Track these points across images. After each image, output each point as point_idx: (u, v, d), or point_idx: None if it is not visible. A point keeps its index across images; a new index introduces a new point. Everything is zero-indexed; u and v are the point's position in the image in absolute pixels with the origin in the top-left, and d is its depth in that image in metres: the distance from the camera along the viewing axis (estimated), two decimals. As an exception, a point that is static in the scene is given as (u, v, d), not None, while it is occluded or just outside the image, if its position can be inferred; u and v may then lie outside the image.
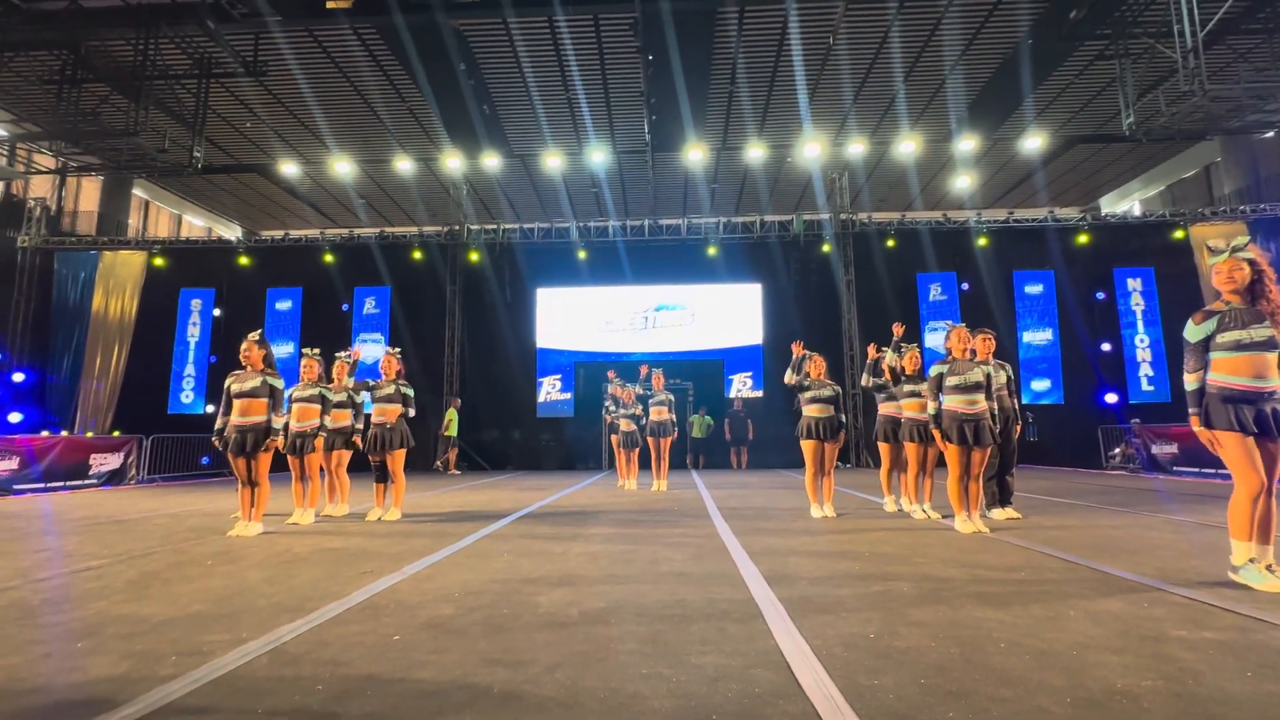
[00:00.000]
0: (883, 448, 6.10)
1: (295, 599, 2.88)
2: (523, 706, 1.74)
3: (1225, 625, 2.36)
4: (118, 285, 14.98)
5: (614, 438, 9.40)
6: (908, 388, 5.65)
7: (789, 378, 5.94)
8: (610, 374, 9.82)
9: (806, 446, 5.72)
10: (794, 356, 6.03)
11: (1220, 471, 8.86)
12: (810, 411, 5.73)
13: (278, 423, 4.96)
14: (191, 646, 2.23)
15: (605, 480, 10.85)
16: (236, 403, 4.94)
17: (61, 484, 9.65)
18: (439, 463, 13.93)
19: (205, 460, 12.85)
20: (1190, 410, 3.07)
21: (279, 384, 5.07)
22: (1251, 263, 2.97)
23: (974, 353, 4.98)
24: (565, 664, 2.04)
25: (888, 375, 5.99)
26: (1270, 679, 1.85)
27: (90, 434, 13.61)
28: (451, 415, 13.91)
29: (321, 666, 2.04)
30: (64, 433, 13.22)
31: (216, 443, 5.01)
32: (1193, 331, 3.04)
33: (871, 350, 6.27)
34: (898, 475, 6.14)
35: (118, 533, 5.09)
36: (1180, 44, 9.50)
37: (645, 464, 9.52)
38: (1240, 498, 2.93)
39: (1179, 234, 13.87)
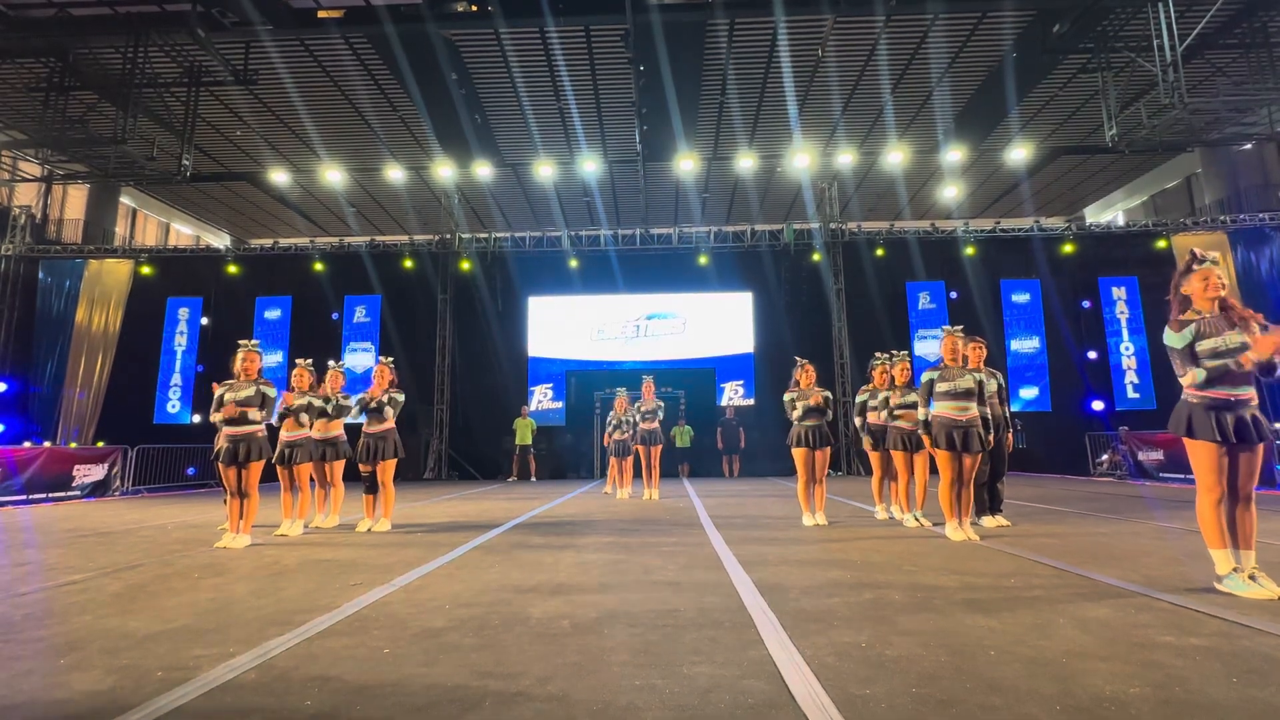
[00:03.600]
0: (873, 456, 6.11)
1: (284, 612, 2.85)
2: (514, 719, 1.73)
3: (1211, 632, 2.38)
4: (103, 294, 14.82)
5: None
6: (895, 400, 5.68)
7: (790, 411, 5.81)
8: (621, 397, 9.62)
9: (797, 454, 5.72)
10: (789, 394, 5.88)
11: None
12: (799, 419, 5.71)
13: (257, 416, 4.92)
14: (178, 661, 2.20)
15: (598, 489, 10.82)
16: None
17: (44, 496, 9.49)
18: (514, 477, 13.84)
19: (191, 471, 12.69)
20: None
21: (271, 391, 5.06)
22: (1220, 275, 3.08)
23: (966, 359, 5.02)
24: (557, 675, 2.03)
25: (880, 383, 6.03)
26: (1256, 685, 1.87)
27: (74, 444, 13.42)
28: (519, 424, 13.92)
29: (310, 680, 2.01)
30: (47, 443, 13.02)
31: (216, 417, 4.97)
32: (1175, 339, 3.09)
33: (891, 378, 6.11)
34: (889, 483, 6.14)
35: (102, 545, 5.02)
36: (1160, 58, 9.71)
37: (635, 473, 9.53)
38: (1204, 505, 2.98)
39: (1161, 243, 14.11)
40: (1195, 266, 3.11)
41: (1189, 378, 3.06)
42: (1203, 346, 3.00)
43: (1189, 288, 3.12)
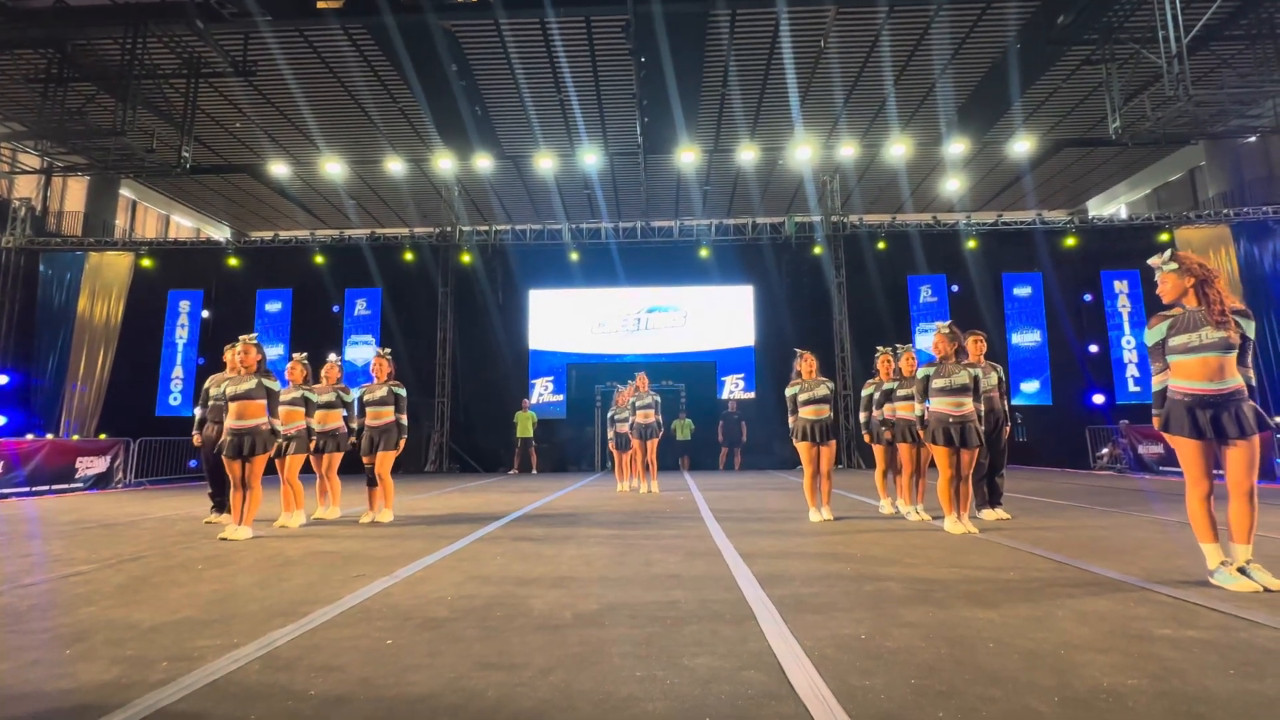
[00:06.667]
0: (877, 450, 6.09)
1: (287, 603, 2.87)
2: (517, 710, 1.74)
3: (1209, 624, 2.39)
4: (104, 286, 14.82)
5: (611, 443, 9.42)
6: (901, 391, 5.66)
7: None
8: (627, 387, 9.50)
9: (801, 449, 5.61)
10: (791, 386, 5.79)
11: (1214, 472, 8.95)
12: (804, 413, 5.58)
13: (278, 426, 4.96)
14: (182, 652, 2.22)
15: (599, 482, 10.85)
16: (232, 405, 4.91)
17: (47, 487, 9.53)
18: (515, 470, 13.91)
19: (193, 463, 12.72)
20: (1153, 411, 3.18)
21: (275, 386, 5.03)
22: (1183, 271, 3.06)
23: (963, 354, 5.01)
24: (559, 667, 2.05)
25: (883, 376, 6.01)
26: (1253, 677, 1.88)
27: (76, 437, 13.46)
28: (520, 417, 14.02)
29: (314, 671, 2.03)
30: (49, 436, 13.06)
31: (197, 440, 5.02)
32: (1148, 335, 3.17)
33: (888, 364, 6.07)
34: (893, 477, 6.08)
35: (105, 537, 5.04)
36: (1165, 49, 9.64)
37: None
38: (1192, 500, 3.00)
39: (1164, 237, 14.05)
40: (1155, 276, 3.15)
41: (1157, 379, 3.13)
42: (1175, 341, 3.02)
43: None
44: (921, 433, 4.91)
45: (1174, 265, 3.08)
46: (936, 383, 4.80)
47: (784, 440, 13.23)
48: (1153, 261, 3.18)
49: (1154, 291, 3.19)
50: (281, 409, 5.63)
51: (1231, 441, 2.91)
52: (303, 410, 5.66)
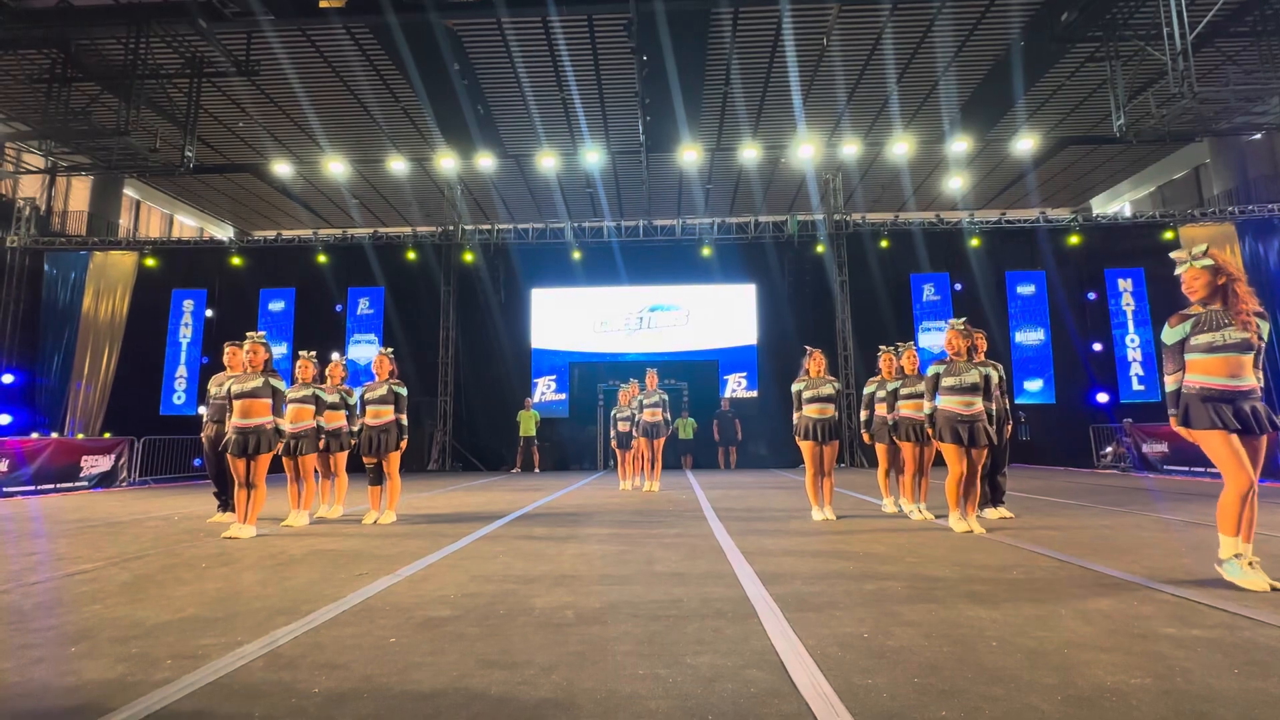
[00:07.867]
0: (879, 448, 6.07)
1: (290, 601, 2.88)
2: (519, 708, 1.74)
3: (1213, 623, 2.39)
4: (108, 286, 14.87)
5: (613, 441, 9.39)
6: (905, 389, 5.64)
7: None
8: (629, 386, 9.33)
9: (804, 447, 5.59)
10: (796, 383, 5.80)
11: (1210, 470, 8.94)
12: (809, 411, 5.55)
13: (284, 425, 4.97)
14: (187, 650, 2.23)
15: (601, 481, 10.86)
16: (237, 404, 4.91)
17: (52, 486, 9.57)
18: (517, 469, 14.02)
19: (197, 462, 12.76)
20: (1169, 411, 3.13)
21: (281, 385, 5.03)
22: (1216, 269, 3.01)
23: (973, 352, 4.99)
24: (562, 665, 2.05)
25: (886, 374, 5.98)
26: (1257, 676, 1.88)
27: (81, 435, 13.51)
28: (522, 416, 14.13)
29: (317, 669, 2.03)
30: (54, 434, 13.12)
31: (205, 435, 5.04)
32: (1168, 334, 3.12)
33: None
34: (895, 476, 6.06)
35: (110, 535, 5.06)
36: (1170, 46, 9.59)
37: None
38: (1230, 495, 2.94)
39: (1169, 235, 13.99)
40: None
41: (1171, 379, 3.08)
42: (1198, 340, 2.99)
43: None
44: (930, 431, 4.89)
45: (1208, 261, 3.01)
46: (947, 381, 4.78)
47: (786, 439, 13.27)
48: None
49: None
50: (293, 407, 5.64)
51: (1247, 437, 2.91)
52: (313, 408, 5.67)
